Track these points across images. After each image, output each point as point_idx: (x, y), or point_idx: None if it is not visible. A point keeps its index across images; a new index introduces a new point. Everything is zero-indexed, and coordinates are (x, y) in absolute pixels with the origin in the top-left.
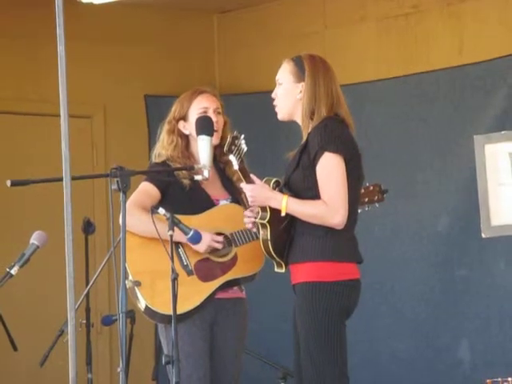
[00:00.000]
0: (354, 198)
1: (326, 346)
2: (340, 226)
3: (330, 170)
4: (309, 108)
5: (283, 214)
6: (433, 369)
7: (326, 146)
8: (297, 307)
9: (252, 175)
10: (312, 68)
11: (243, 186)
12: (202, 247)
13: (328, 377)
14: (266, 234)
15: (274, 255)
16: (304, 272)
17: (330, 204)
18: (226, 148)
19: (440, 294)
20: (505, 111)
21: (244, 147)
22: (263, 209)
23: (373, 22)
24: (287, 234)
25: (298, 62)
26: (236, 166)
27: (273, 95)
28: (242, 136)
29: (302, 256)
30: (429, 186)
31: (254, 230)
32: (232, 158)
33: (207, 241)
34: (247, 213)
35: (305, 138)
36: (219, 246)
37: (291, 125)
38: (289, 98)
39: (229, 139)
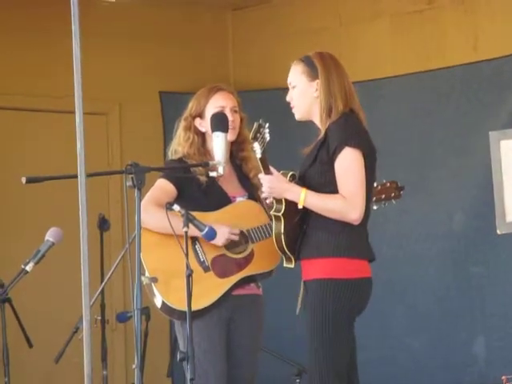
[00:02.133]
0: (368, 195)
1: (332, 341)
2: (358, 221)
3: (350, 164)
4: (326, 104)
5: (300, 206)
6: (448, 366)
7: (346, 141)
8: (307, 303)
9: (271, 167)
10: (323, 65)
11: (261, 176)
12: (220, 240)
13: (328, 373)
14: (279, 227)
15: (286, 250)
16: (317, 268)
17: (348, 199)
18: (251, 135)
19: (455, 292)
20: None
21: (267, 136)
22: (278, 201)
23: (387, 19)
24: (300, 229)
25: (308, 61)
26: (259, 155)
27: (288, 99)
28: (267, 125)
29: (316, 252)
30: (444, 183)
31: (270, 200)
32: (256, 145)
33: (225, 233)
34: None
35: (322, 134)
36: (236, 238)
37: (305, 122)
38: (305, 97)
39: (255, 126)
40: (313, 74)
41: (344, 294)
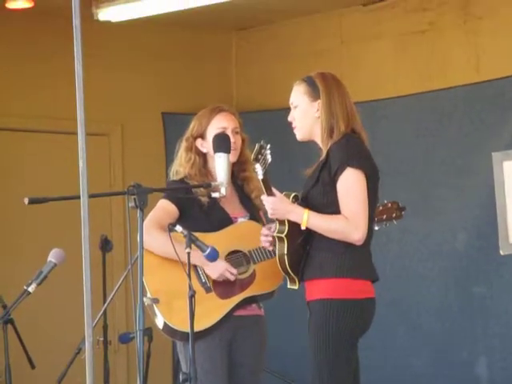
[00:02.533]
0: (371, 215)
1: (335, 362)
2: (360, 241)
3: (352, 185)
4: (328, 125)
5: (303, 227)
6: None
7: (348, 161)
8: (310, 323)
9: (273, 188)
10: (325, 85)
11: (264, 198)
12: (214, 274)
13: None
14: (282, 248)
15: (290, 271)
16: (320, 289)
17: (351, 219)
18: (253, 156)
19: (458, 311)
20: None
21: (269, 157)
22: (281, 222)
23: (389, 39)
24: (303, 250)
25: (310, 82)
26: (260, 176)
27: (289, 119)
28: (268, 146)
29: (319, 273)
30: (446, 203)
31: (271, 248)
32: (258, 167)
33: (221, 269)
34: (264, 231)
35: (324, 154)
36: (232, 278)
37: (307, 142)
38: (307, 117)
39: (256, 147)
40: (314, 95)
41: (347, 315)
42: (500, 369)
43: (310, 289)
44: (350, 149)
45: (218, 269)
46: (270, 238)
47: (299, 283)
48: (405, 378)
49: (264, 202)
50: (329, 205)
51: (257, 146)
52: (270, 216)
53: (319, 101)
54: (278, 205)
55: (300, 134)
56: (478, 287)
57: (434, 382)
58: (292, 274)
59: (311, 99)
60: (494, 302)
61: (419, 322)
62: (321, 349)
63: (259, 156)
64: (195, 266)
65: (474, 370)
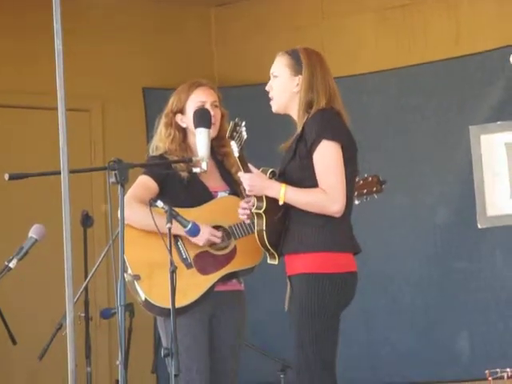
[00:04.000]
0: (351, 188)
1: (319, 337)
2: (339, 213)
3: (328, 157)
4: (305, 100)
5: (281, 202)
6: (432, 360)
7: (323, 133)
8: (293, 298)
9: (250, 165)
10: (309, 61)
11: (241, 174)
12: (200, 240)
13: (316, 368)
14: (261, 224)
15: (269, 246)
16: (302, 263)
17: (328, 192)
18: (228, 134)
19: (438, 286)
20: (501, 102)
21: (245, 134)
22: (259, 198)
23: (370, 14)
24: (282, 225)
25: (295, 55)
26: (236, 153)
27: (267, 88)
28: (243, 123)
29: (300, 246)
30: (426, 178)
31: (249, 222)
32: (233, 144)
33: (206, 234)
34: (243, 204)
35: (300, 129)
36: (218, 240)
37: (288, 118)
38: (285, 91)
39: (231, 125)
40: (297, 69)
41: (330, 289)
42: (481, 343)
43: (291, 263)
44: (325, 121)
45: (203, 235)
46: (248, 212)
47: (279, 258)
48: (385, 352)
49: (241, 179)
50: (307, 178)
51: (231, 123)
52: (247, 193)
53: (300, 76)
54: (255, 181)
55: (276, 106)
56: (458, 262)
57: (414, 356)
58: (271, 249)
59: (292, 73)
60: (473, 276)
61: (399, 297)
62: (304, 324)
63: (234, 133)
64: (176, 242)
65: (455, 344)
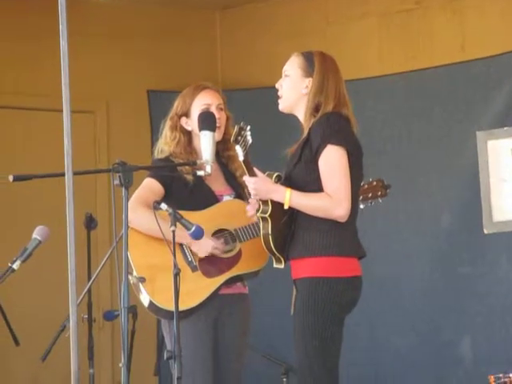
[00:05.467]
0: (356, 192)
1: (322, 340)
2: (344, 218)
3: (333, 162)
4: (313, 103)
5: (286, 207)
6: (435, 365)
7: (328, 138)
8: (297, 301)
9: (255, 168)
10: (322, 65)
11: (246, 178)
12: (201, 252)
13: (319, 371)
14: (266, 228)
15: (275, 250)
16: (307, 267)
17: (333, 196)
18: (232, 138)
19: (442, 291)
20: (508, 107)
21: (249, 139)
22: (264, 202)
23: (375, 18)
24: (288, 229)
25: (309, 58)
26: (241, 157)
27: (277, 85)
28: (248, 127)
29: (305, 251)
30: (431, 183)
31: (257, 220)
32: (238, 148)
33: (208, 247)
34: (252, 201)
35: (306, 133)
36: (219, 253)
37: (293, 121)
38: (294, 90)
39: (236, 129)
40: (309, 71)
41: (334, 293)
42: (484, 348)
43: (297, 267)
44: (331, 126)
45: (205, 247)
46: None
47: (285, 262)
48: (388, 357)
49: (246, 183)
50: (312, 183)
51: (236, 127)
52: (252, 197)
53: (310, 78)
54: (260, 185)
55: (283, 105)
56: (463, 267)
57: (417, 361)
58: (277, 253)
59: (304, 74)
60: (478, 282)
61: (403, 302)
62: (308, 327)
63: (239, 138)
64: (181, 245)
65: (457, 349)
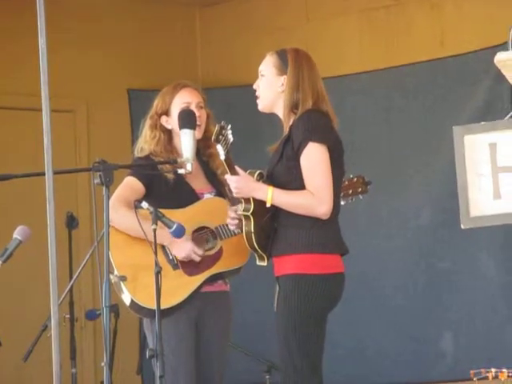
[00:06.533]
0: (337, 189)
1: (305, 338)
2: (326, 215)
3: (315, 159)
4: (290, 101)
5: (268, 205)
6: (417, 361)
7: (309, 136)
8: (280, 298)
9: (236, 167)
10: (295, 62)
11: (228, 177)
12: (181, 254)
13: (302, 368)
14: (249, 226)
15: (257, 248)
16: (289, 264)
17: (316, 194)
18: (213, 137)
19: (423, 287)
20: (487, 103)
21: (230, 137)
22: (247, 200)
23: (354, 14)
24: (270, 227)
25: (282, 55)
26: (222, 156)
27: (254, 86)
28: (229, 126)
29: (288, 248)
30: (411, 179)
31: (238, 230)
32: (219, 147)
33: (187, 251)
34: (231, 213)
35: (286, 131)
36: (197, 259)
37: (274, 118)
38: (270, 90)
39: (216, 128)
40: (282, 69)
41: (317, 289)
42: (465, 343)
43: (279, 264)
44: (312, 123)
45: (184, 249)
46: (237, 221)
47: (268, 260)
48: (370, 352)
49: (228, 182)
50: (294, 180)
51: (217, 126)
52: (234, 195)
53: (285, 76)
54: (242, 183)
55: (261, 105)
56: (443, 262)
57: (398, 357)
58: (260, 251)
59: (278, 72)
60: (458, 277)
61: (384, 297)
62: (291, 324)
63: (220, 137)
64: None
65: (440, 345)
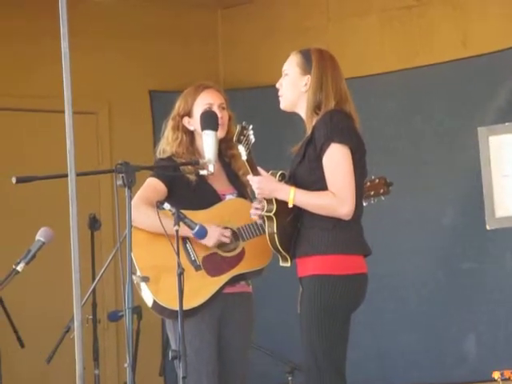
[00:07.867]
0: (360, 190)
1: (329, 338)
2: (348, 216)
3: (337, 160)
4: (313, 101)
5: (290, 205)
6: (439, 362)
7: (332, 137)
8: (303, 299)
9: (259, 167)
10: (319, 62)
11: (250, 177)
12: (210, 241)
13: (326, 369)
14: (272, 227)
15: (280, 249)
16: (312, 265)
17: (338, 194)
18: (235, 138)
19: (446, 287)
20: (509, 103)
21: (252, 138)
22: (269, 201)
23: (376, 15)
24: (293, 228)
25: (306, 55)
26: (244, 157)
27: (277, 85)
28: (251, 127)
29: (310, 249)
30: (434, 179)
31: (260, 222)
32: (241, 148)
33: (216, 235)
34: (255, 204)
35: (309, 131)
36: (227, 240)
37: (295, 119)
38: (294, 89)
39: (238, 129)
40: (306, 68)
41: (340, 290)
42: (488, 344)
43: (303, 265)
44: (334, 124)
45: (213, 236)
46: (260, 212)
47: (291, 261)
48: (393, 353)
49: (250, 182)
50: (316, 181)
51: (238, 127)
52: (256, 196)
53: (309, 76)
54: (264, 184)
55: (283, 103)
56: (466, 263)
57: (421, 358)
58: (283, 252)
59: (302, 72)
60: (481, 278)
61: (408, 298)
62: (314, 325)
63: (241, 137)
64: (185, 244)
65: (462, 345)
